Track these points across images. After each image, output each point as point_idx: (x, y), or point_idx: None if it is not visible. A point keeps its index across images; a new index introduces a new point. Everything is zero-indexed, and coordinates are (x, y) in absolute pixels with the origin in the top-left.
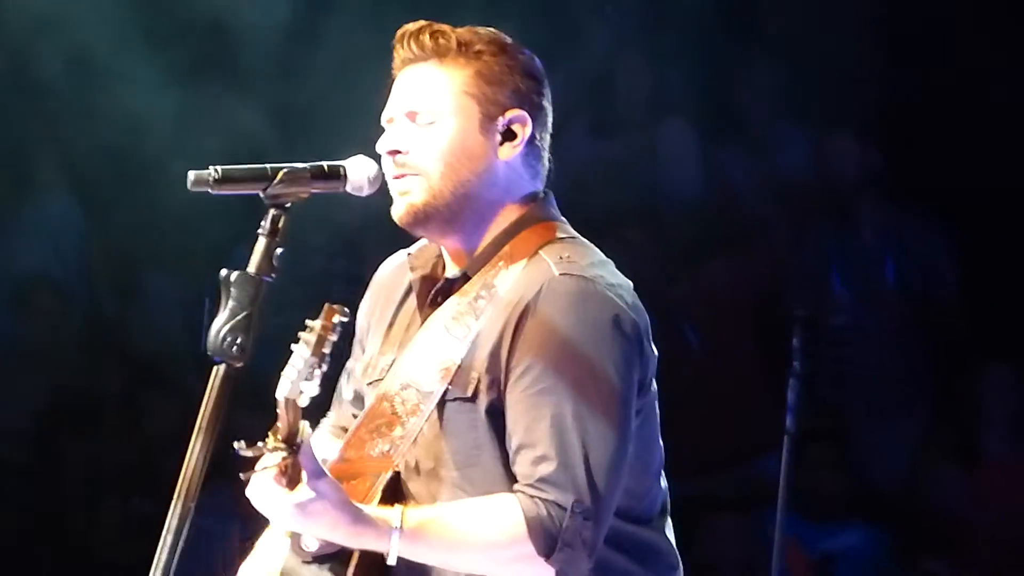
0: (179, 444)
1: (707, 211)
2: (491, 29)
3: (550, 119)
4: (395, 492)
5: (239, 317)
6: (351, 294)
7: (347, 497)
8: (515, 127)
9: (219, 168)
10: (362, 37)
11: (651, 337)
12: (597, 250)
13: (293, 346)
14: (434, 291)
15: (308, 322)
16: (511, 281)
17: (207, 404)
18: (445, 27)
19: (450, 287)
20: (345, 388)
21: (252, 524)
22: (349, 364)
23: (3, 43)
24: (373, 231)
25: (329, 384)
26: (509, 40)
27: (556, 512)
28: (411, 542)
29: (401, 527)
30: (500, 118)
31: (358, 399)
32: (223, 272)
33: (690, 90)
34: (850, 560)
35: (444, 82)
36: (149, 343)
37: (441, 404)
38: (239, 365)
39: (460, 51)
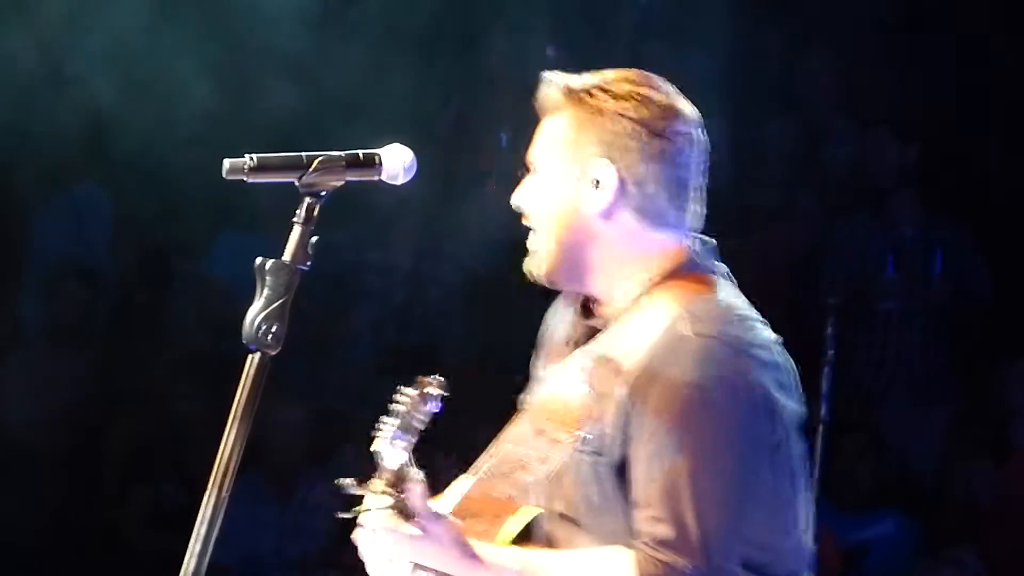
0: (211, 432)
1: (741, 197)
2: (621, 73)
3: (671, 164)
4: (528, 538)
5: (274, 306)
6: (383, 285)
7: (460, 537)
8: (600, 175)
9: (255, 156)
10: (395, 23)
11: (795, 390)
12: (744, 306)
13: (390, 406)
14: (579, 338)
15: (403, 389)
16: (644, 337)
17: (241, 392)
18: (560, 78)
19: (591, 335)
20: None
21: (284, 510)
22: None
23: (35, 34)
24: (403, 220)
25: None
26: (629, 85)
27: (669, 574)
28: None
29: (518, 570)
30: (585, 167)
31: None
32: (258, 260)
33: (728, 73)
34: (881, 549)
35: (547, 136)
36: (180, 330)
37: (574, 452)
38: (273, 353)
39: (564, 101)
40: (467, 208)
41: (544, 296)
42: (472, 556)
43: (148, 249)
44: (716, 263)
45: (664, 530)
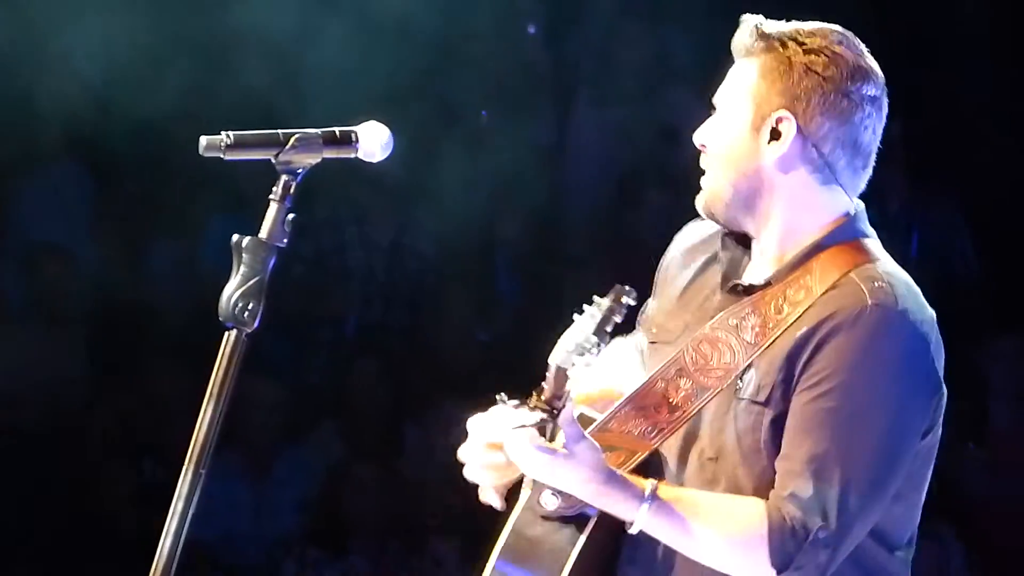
0: (190, 408)
1: None
2: (816, 25)
3: (854, 119)
4: (649, 472)
5: (251, 283)
6: (365, 262)
7: (603, 460)
8: (781, 127)
9: (231, 133)
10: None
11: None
12: (905, 275)
13: (576, 315)
14: (738, 285)
15: (596, 298)
16: (819, 298)
17: (218, 370)
18: (756, 22)
19: (752, 289)
20: (642, 321)
21: (263, 488)
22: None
23: (11, 17)
24: (381, 197)
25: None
26: (821, 38)
27: (801, 531)
28: (657, 515)
29: (652, 496)
30: (768, 117)
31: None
32: (235, 238)
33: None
34: None
35: (736, 80)
36: (158, 308)
37: (728, 399)
38: (250, 330)
39: (756, 48)
40: (448, 184)
41: (531, 276)
42: (609, 481)
43: (128, 227)
44: (868, 228)
45: (805, 487)
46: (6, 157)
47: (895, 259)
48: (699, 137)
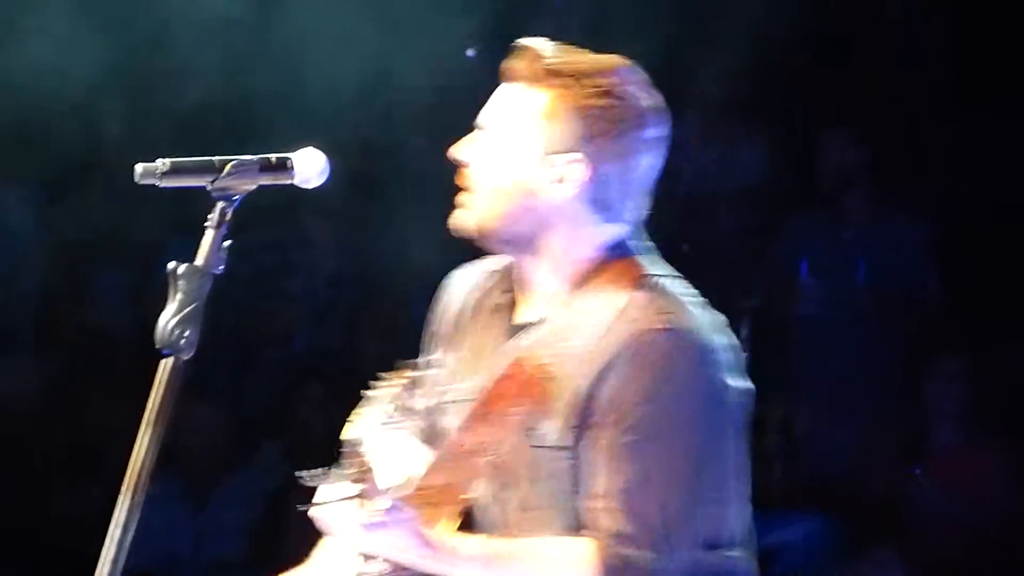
0: (128, 433)
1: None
2: (604, 59)
3: (639, 166)
4: (472, 525)
5: (187, 310)
6: (308, 289)
7: (420, 523)
8: (570, 169)
9: (167, 160)
10: (312, 26)
11: (741, 372)
12: (684, 287)
13: (367, 393)
14: (514, 327)
15: (381, 374)
16: (596, 327)
17: (155, 397)
18: (541, 51)
19: (529, 327)
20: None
21: (202, 516)
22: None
23: None
24: (325, 221)
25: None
26: (611, 76)
27: (634, 568)
28: (484, 571)
29: (475, 556)
30: (558, 157)
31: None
32: (171, 265)
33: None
34: (800, 549)
35: (518, 107)
36: (98, 333)
37: (523, 444)
38: (187, 357)
39: (544, 79)
40: (391, 209)
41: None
42: (431, 545)
43: (68, 250)
44: (646, 243)
45: (625, 523)
46: None
47: (847, 287)
48: (463, 154)
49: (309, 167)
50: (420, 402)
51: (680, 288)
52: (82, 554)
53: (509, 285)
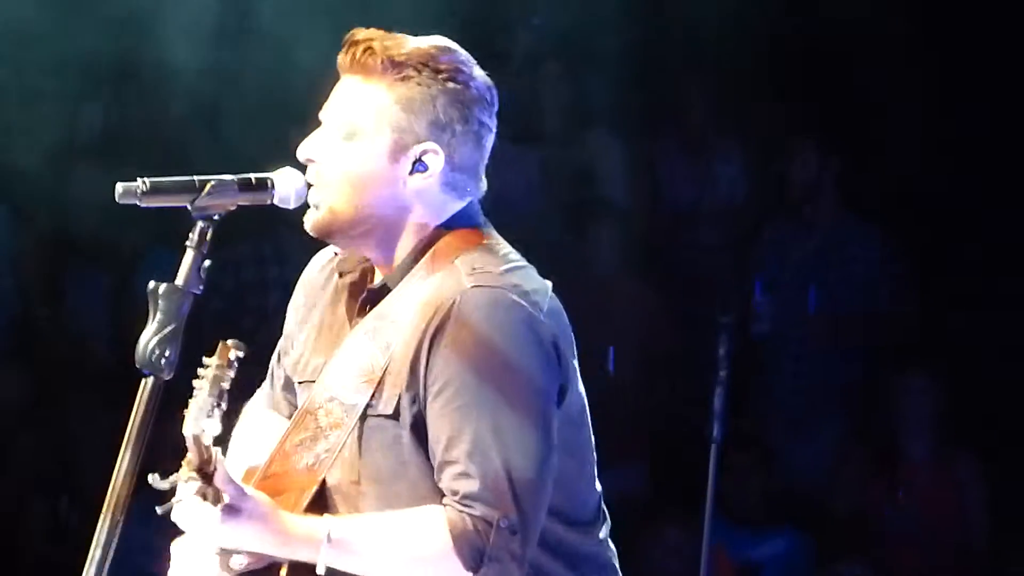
0: (106, 448)
1: (637, 217)
2: (436, 44)
3: (484, 144)
4: (321, 505)
5: (167, 330)
6: (283, 302)
7: (273, 510)
8: (427, 159)
9: (147, 180)
10: (292, 42)
11: (571, 339)
12: (515, 255)
13: (195, 382)
14: (361, 300)
15: (205, 359)
16: (427, 292)
17: (135, 416)
18: (378, 43)
19: (375, 297)
20: (276, 371)
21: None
22: (280, 347)
23: None
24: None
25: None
26: (449, 60)
27: (483, 527)
28: (339, 552)
29: (329, 537)
30: (412, 148)
31: (288, 385)
32: (151, 284)
33: (619, 99)
34: (776, 565)
35: (363, 102)
36: (77, 346)
37: (363, 419)
38: (167, 377)
39: (386, 72)
40: None
41: None
42: (283, 531)
43: (46, 263)
44: (481, 216)
45: (472, 485)
46: None
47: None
48: (309, 152)
49: (288, 186)
50: (278, 378)
51: (513, 253)
52: (67, 565)
53: (362, 259)
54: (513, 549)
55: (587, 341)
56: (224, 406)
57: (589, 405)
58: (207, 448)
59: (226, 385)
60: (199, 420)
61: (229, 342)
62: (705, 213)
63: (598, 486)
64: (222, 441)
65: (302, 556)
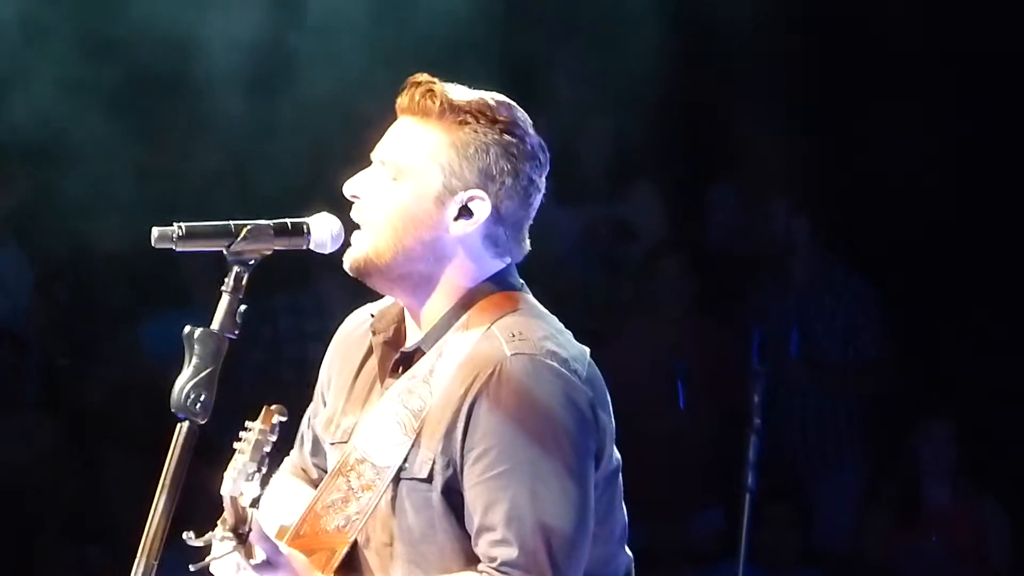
0: (138, 497)
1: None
2: (496, 97)
3: (531, 202)
4: (352, 566)
5: (202, 375)
6: (321, 353)
7: (308, 568)
8: (473, 206)
9: (183, 225)
10: (326, 88)
11: (608, 404)
12: (552, 320)
13: (235, 444)
14: (394, 361)
15: (248, 423)
16: (464, 357)
17: (171, 461)
18: (439, 87)
19: (409, 358)
20: (306, 434)
21: None
22: (310, 410)
23: None
24: (343, 288)
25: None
26: (506, 113)
27: None
28: None
29: None
30: (460, 193)
31: (317, 446)
32: (187, 329)
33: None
34: None
35: (417, 142)
36: (107, 394)
37: (396, 481)
38: (202, 422)
39: (443, 115)
40: None
41: None
42: None
43: (74, 314)
44: (518, 280)
45: (510, 552)
46: None
47: (819, 344)
48: (356, 188)
49: (324, 231)
50: (307, 440)
51: (550, 318)
52: None
53: (396, 318)
54: None
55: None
56: (264, 470)
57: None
58: (244, 509)
59: (267, 450)
60: (238, 482)
61: (273, 407)
62: (741, 259)
63: (628, 551)
64: (256, 503)
65: None
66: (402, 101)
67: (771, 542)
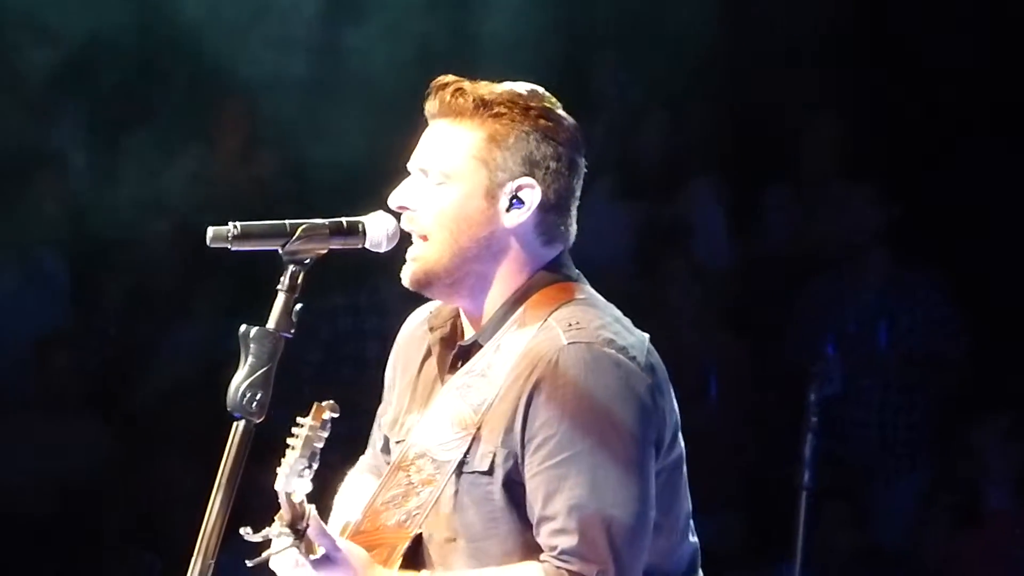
0: (193, 502)
1: (734, 270)
2: (523, 86)
3: (576, 184)
4: (413, 561)
5: (258, 373)
6: (384, 352)
7: (368, 563)
8: (523, 195)
9: (238, 224)
10: (382, 88)
11: (670, 391)
12: (610, 308)
13: (288, 440)
14: (452, 356)
15: (299, 419)
16: (521, 349)
17: (226, 460)
18: (467, 85)
19: (466, 352)
20: (376, 435)
21: None
22: (380, 411)
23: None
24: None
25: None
26: (537, 100)
27: None
28: None
29: None
30: (508, 184)
31: (387, 446)
32: (243, 328)
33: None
34: None
35: (456, 143)
36: (159, 398)
37: (458, 475)
38: (258, 421)
39: (477, 112)
40: None
41: None
42: None
43: (132, 315)
44: (573, 268)
45: (570, 540)
46: (3, 242)
47: (875, 351)
48: (402, 200)
49: (380, 231)
50: (379, 441)
51: (607, 307)
52: None
53: (452, 313)
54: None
55: (682, 389)
56: (316, 467)
57: (689, 451)
58: (299, 505)
59: (319, 446)
60: (290, 479)
61: (324, 404)
62: (798, 260)
63: (693, 537)
64: (315, 499)
65: None
66: (431, 106)
67: (829, 543)
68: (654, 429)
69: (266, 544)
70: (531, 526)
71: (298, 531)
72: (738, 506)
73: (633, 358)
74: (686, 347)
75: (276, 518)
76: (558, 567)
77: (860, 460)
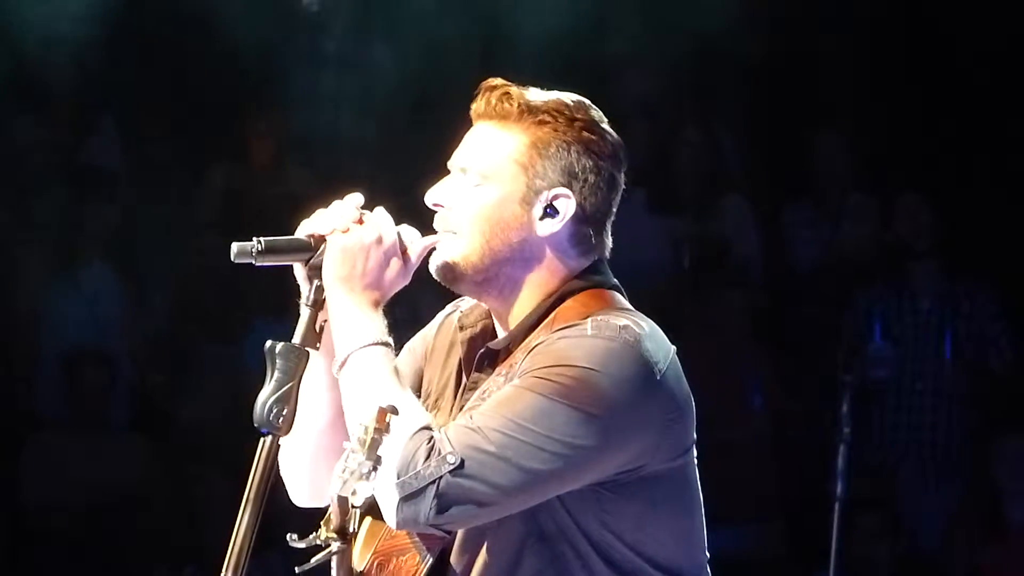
0: (228, 514)
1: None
2: (570, 96)
3: (613, 200)
4: (443, 566)
5: (284, 388)
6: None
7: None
8: (558, 204)
9: (263, 239)
10: (407, 102)
11: (689, 407)
12: (641, 317)
13: (345, 444)
14: (478, 357)
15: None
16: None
17: (254, 475)
18: (515, 90)
19: (494, 356)
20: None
21: None
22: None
23: (53, 124)
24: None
25: None
26: (583, 112)
27: (431, 447)
28: (362, 363)
29: (382, 344)
30: (545, 193)
31: None
32: (268, 343)
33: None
34: None
35: (498, 146)
36: (194, 413)
37: None
38: (284, 436)
39: (522, 117)
40: None
41: None
42: (363, 295)
43: (161, 333)
44: (610, 277)
45: (453, 426)
46: (46, 265)
47: (928, 358)
48: (438, 197)
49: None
50: None
51: (637, 316)
52: None
53: (484, 314)
54: (448, 483)
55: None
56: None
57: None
58: (351, 509)
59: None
60: (350, 482)
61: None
62: (827, 271)
63: (706, 552)
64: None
65: (348, 330)
66: (478, 107)
67: (864, 554)
68: (640, 432)
69: (312, 551)
70: (537, 513)
71: (346, 537)
72: (774, 516)
73: (655, 362)
74: (728, 360)
75: (322, 523)
76: (432, 436)
77: (896, 470)
